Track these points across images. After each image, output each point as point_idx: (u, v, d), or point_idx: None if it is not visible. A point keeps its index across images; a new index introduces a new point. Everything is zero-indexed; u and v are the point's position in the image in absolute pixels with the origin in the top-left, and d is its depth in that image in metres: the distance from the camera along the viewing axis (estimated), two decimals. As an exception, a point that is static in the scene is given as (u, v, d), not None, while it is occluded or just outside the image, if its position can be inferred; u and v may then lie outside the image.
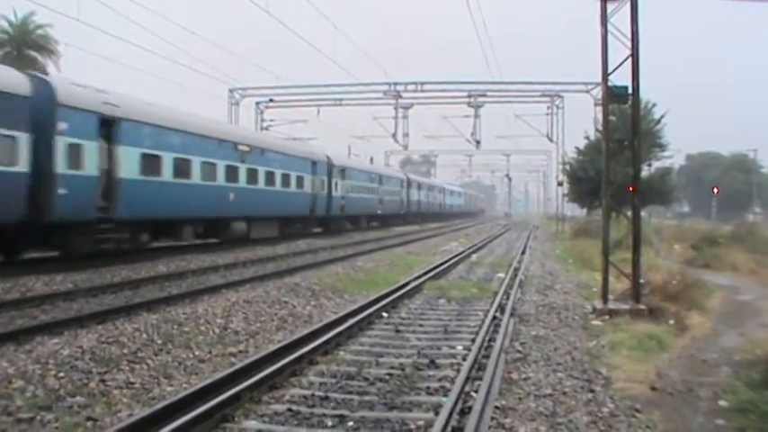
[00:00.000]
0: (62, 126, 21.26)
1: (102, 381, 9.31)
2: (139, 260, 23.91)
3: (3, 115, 19.44)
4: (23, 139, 20.01)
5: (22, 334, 11.78)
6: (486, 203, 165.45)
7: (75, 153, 21.72)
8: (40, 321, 13.21)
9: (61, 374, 9.38)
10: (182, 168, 27.97)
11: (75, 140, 21.73)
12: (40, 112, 20.68)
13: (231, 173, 32.19)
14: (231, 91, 55.35)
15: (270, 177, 36.74)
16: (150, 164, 25.65)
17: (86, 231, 22.52)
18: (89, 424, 7.68)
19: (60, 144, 21.17)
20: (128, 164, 24.32)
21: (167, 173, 26.95)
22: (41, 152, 20.61)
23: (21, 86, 20.28)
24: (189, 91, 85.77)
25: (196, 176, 29.12)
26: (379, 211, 61.87)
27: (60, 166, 21.15)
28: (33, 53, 50.74)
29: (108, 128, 23.31)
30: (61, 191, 21.06)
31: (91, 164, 22.42)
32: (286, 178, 39.10)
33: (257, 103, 57.26)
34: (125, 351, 10.96)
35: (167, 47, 46.55)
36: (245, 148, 33.99)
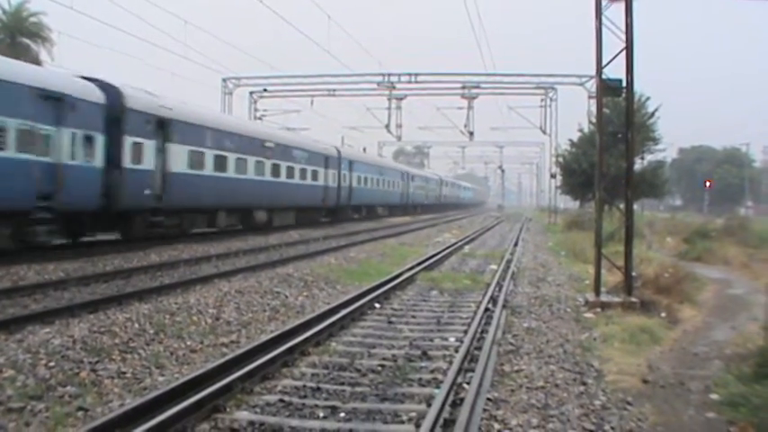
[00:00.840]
0: (128, 127, 24.44)
1: (94, 370, 9.29)
2: (131, 250, 23.88)
3: (84, 119, 22.32)
4: (99, 139, 23.09)
5: (13, 323, 11.73)
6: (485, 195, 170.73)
7: (137, 150, 25.05)
8: (32, 311, 13.16)
9: (52, 364, 9.35)
10: (220, 163, 31.37)
11: (139, 140, 25.08)
12: (112, 116, 23.76)
13: (259, 167, 35.69)
14: (225, 80, 55.28)
15: (290, 171, 40.33)
16: (196, 159, 29.16)
17: (143, 218, 25.93)
18: (80, 414, 7.67)
19: (127, 143, 24.45)
20: (178, 160, 27.75)
21: (209, 167, 30.36)
22: (113, 150, 23.76)
23: (97, 95, 23.34)
24: (182, 80, 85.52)
25: (231, 170, 32.55)
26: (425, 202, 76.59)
27: (127, 161, 24.43)
28: (27, 41, 50.50)
29: (163, 128, 26.55)
30: (128, 183, 24.40)
31: (149, 160, 25.74)
32: (303, 172, 42.77)
33: (251, 93, 57.20)
34: (117, 341, 10.93)
35: (161, 35, 46.41)
36: (271, 145, 37.57)
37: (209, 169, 30.33)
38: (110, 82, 24.61)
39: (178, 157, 27.66)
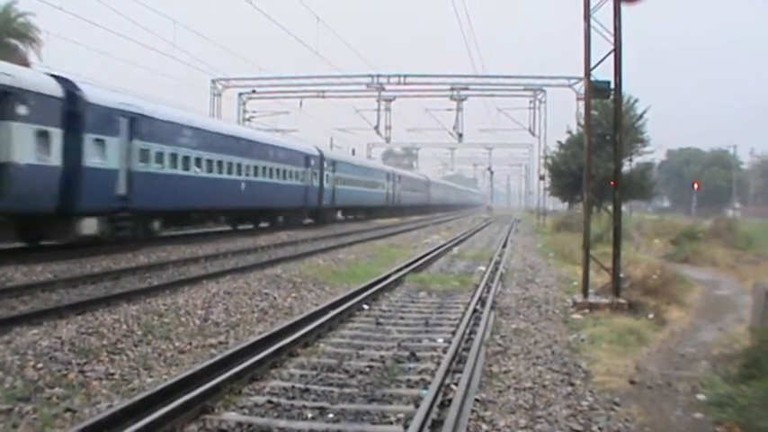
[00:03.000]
0: (89, 123, 23.24)
1: (82, 372, 9.28)
2: (120, 251, 23.79)
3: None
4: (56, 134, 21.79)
5: (1, 325, 11.69)
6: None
7: (99, 148, 23.73)
8: (19, 312, 13.13)
9: (40, 365, 9.32)
10: (189, 162, 30.34)
11: (101, 137, 23.84)
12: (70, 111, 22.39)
13: (232, 166, 34.61)
14: (214, 82, 55.17)
15: (266, 171, 38.99)
16: (162, 157, 27.97)
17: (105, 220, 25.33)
18: (68, 415, 7.65)
19: (88, 140, 23.21)
20: (143, 157, 26.44)
21: (177, 166, 29.15)
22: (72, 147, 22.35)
23: (51, 87, 21.92)
24: (171, 81, 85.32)
25: (201, 169, 31.38)
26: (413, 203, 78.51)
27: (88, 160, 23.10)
28: (15, 41, 50.21)
29: (129, 125, 25.40)
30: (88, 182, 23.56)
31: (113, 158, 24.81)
32: (281, 172, 41.29)
33: (240, 94, 57.11)
34: (105, 342, 10.91)
35: (149, 36, 46.33)
36: (243, 143, 36.48)
37: (177, 168, 28.82)
38: (67, 76, 23.30)
39: (143, 155, 26.11)
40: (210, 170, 32.14)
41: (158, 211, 27.88)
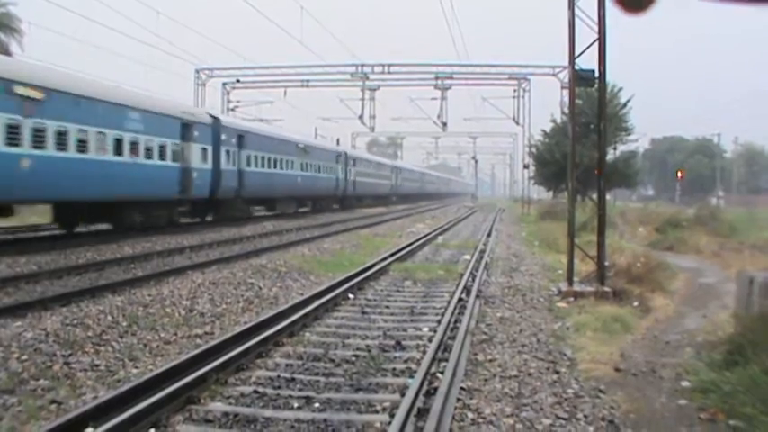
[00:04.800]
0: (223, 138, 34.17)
1: (67, 363, 9.24)
2: (104, 242, 23.72)
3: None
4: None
5: (-16, 316, 11.63)
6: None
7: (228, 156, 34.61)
8: (3, 304, 13.01)
9: (24, 357, 9.28)
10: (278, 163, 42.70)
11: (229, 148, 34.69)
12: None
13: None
14: (198, 71, 54.96)
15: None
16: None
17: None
18: (53, 407, 7.62)
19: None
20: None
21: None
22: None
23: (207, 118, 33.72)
24: (154, 71, 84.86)
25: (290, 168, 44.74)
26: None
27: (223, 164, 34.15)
28: (-4, 32, 49.80)
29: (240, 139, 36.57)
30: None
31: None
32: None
33: (224, 84, 56.95)
34: (90, 333, 10.87)
35: (132, 26, 46.07)
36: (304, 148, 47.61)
37: (266, 168, 40.21)
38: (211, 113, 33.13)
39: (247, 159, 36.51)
40: (284, 168, 43.76)
41: (256, 198, 40.33)
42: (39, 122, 21.69)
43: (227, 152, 35.66)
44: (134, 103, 27.75)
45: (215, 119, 35.58)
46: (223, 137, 35.14)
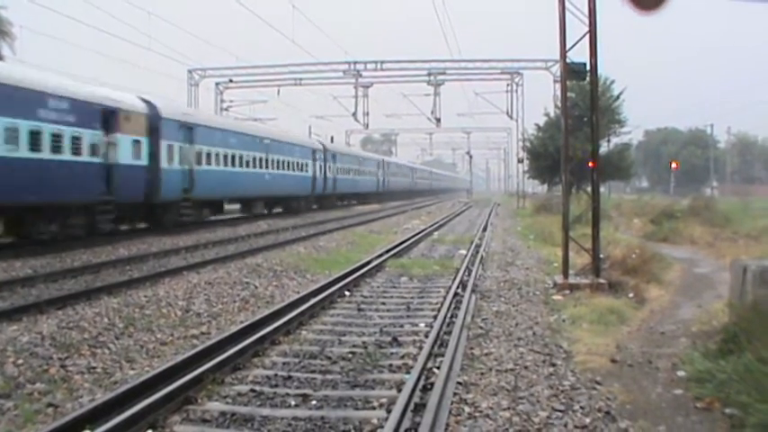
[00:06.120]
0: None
1: (63, 366, 9.23)
2: (99, 244, 23.69)
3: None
4: None
5: (-20, 321, 11.58)
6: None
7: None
8: (-1, 308, 13.03)
9: (20, 361, 9.28)
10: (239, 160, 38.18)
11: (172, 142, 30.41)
12: None
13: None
14: (190, 72, 54.92)
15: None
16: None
17: None
18: (50, 410, 7.61)
19: None
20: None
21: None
22: None
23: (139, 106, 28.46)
24: (147, 72, 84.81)
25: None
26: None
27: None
28: (-13, 36, 49.60)
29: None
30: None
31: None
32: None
33: (217, 84, 56.91)
34: (86, 336, 10.87)
35: (124, 28, 46.02)
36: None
37: (221, 165, 35.25)
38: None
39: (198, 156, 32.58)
40: (248, 165, 39.17)
41: (209, 200, 34.62)
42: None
43: (170, 147, 30.17)
44: (32, 84, 22.39)
45: (150, 105, 29.39)
46: (164, 129, 29.59)
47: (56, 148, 22.86)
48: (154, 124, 28.97)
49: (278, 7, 43.33)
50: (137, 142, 27.65)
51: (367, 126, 61.49)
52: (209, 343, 10.01)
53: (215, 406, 7.72)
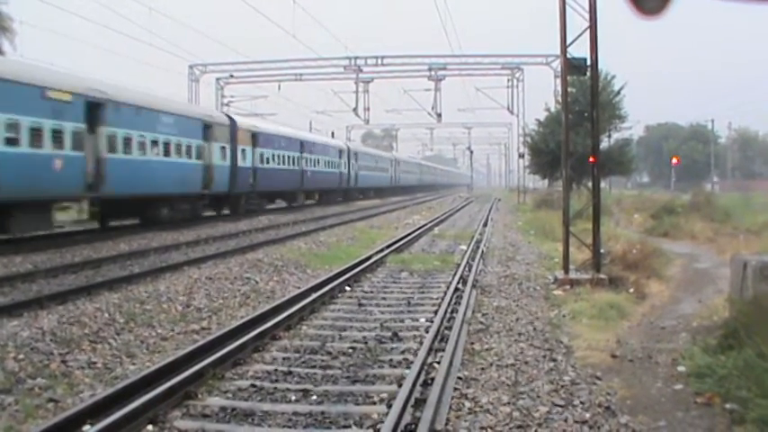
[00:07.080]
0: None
1: (64, 362, 9.25)
2: (100, 239, 23.70)
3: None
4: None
5: (-20, 316, 11.60)
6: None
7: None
8: (-1, 303, 13.05)
9: (21, 356, 9.28)
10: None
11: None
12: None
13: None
14: (191, 67, 54.92)
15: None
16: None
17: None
18: (50, 405, 7.62)
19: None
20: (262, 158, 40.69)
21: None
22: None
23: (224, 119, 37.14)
24: (147, 67, 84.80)
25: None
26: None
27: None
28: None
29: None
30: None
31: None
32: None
33: (217, 80, 56.91)
34: (86, 331, 10.87)
35: (125, 23, 46.03)
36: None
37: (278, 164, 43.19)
38: (228, 114, 38.65)
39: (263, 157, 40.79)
40: (291, 164, 46.30)
41: (267, 192, 42.85)
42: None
43: (243, 150, 38.38)
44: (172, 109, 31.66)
45: (231, 119, 38.65)
46: (239, 137, 38.08)
47: (177, 152, 30.73)
48: (233, 133, 37.33)
49: (278, 2, 43.24)
50: (223, 148, 35.93)
51: (368, 121, 61.64)
52: (209, 338, 10.03)
53: (215, 401, 7.72)
